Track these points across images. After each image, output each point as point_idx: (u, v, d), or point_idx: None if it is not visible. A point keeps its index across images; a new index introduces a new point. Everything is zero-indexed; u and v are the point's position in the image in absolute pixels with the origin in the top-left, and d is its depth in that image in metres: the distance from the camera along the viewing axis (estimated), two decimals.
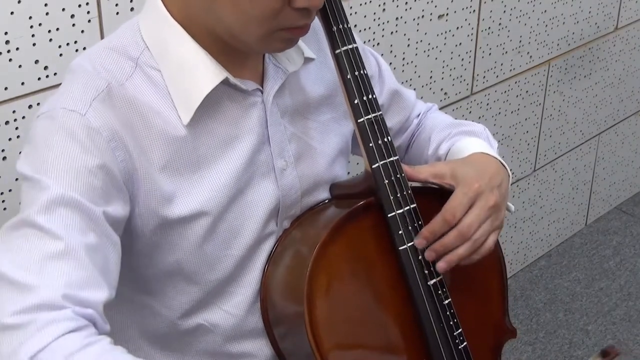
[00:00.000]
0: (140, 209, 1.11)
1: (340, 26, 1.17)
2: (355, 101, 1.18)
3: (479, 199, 1.20)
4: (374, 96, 1.19)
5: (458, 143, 1.34)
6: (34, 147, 1.06)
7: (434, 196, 1.23)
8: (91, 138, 1.05)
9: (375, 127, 1.19)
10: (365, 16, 2.01)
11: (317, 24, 1.21)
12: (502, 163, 1.29)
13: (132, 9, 1.58)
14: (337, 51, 1.18)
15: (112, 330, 1.23)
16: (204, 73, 1.11)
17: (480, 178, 1.21)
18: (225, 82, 1.13)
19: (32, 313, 0.94)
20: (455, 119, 1.48)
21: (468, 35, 2.32)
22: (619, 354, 1.15)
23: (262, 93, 1.18)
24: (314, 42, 1.26)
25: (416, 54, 2.19)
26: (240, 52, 1.14)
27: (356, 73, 1.18)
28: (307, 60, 1.24)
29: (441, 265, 1.19)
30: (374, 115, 1.19)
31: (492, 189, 1.21)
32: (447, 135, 1.37)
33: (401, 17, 2.10)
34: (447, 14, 2.23)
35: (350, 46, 1.18)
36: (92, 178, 1.03)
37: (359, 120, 1.18)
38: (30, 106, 1.52)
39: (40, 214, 1.00)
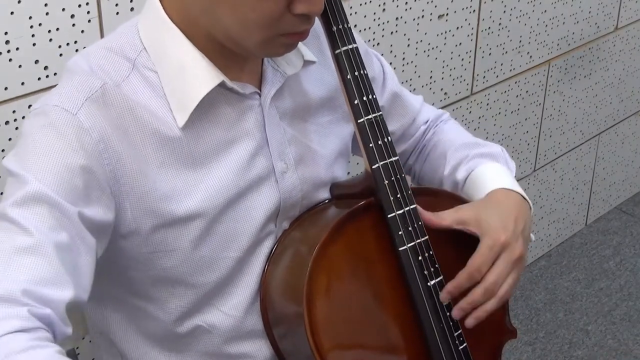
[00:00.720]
0: (134, 212, 1.10)
1: (340, 26, 1.17)
2: (355, 101, 1.18)
3: (504, 251, 1.20)
4: (374, 96, 1.19)
5: (477, 170, 1.32)
6: (22, 142, 1.06)
7: (433, 196, 1.23)
8: (79, 138, 1.04)
9: (375, 127, 1.18)
10: (365, 16, 2.01)
11: (317, 25, 1.21)
12: (523, 197, 1.29)
13: (132, 9, 1.58)
14: (337, 51, 1.18)
15: (112, 328, 1.24)
16: (200, 76, 1.11)
17: (505, 228, 1.21)
18: (222, 85, 1.13)
19: None
20: (463, 129, 1.46)
21: (468, 35, 2.32)
22: None
23: (259, 96, 1.18)
24: (314, 45, 1.26)
25: (416, 54, 2.19)
26: (239, 56, 1.14)
27: (356, 73, 1.18)
28: (308, 62, 1.24)
29: (470, 322, 1.20)
30: (374, 115, 1.19)
31: (517, 238, 1.21)
32: (464, 157, 1.36)
33: (401, 17, 2.10)
34: (447, 14, 2.23)
35: (350, 46, 1.18)
36: (74, 178, 1.03)
37: (359, 121, 1.18)
38: (30, 106, 1.51)
39: (14, 208, 1.00)
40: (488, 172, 1.31)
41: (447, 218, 1.22)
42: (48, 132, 1.04)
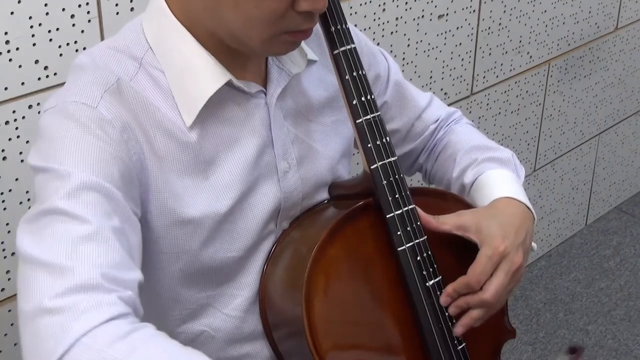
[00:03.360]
0: (152, 206, 1.10)
1: (339, 26, 1.17)
2: (354, 101, 1.18)
3: (503, 261, 1.19)
4: (373, 97, 1.19)
5: (484, 175, 1.32)
6: (46, 139, 1.05)
7: (432, 197, 1.23)
8: (104, 130, 1.04)
9: (374, 127, 1.18)
10: (365, 16, 2.02)
11: (318, 25, 1.21)
12: (528, 207, 1.28)
13: (132, 9, 1.58)
14: (336, 52, 1.18)
15: None
16: (207, 75, 1.11)
17: (505, 237, 1.20)
18: (228, 84, 1.13)
19: (72, 295, 0.92)
20: (476, 129, 1.44)
21: (468, 35, 2.32)
22: (583, 349, 1.16)
23: (265, 95, 1.18)
24: (316, 45, 1.26)
25: (416, 54, 2.19)
26: (243, 54, 1.14)
27: (354, 73, 1.18)
28: (310, 62, 1.24)
29: (458, 330, 1.21)
30: (372, 115, 1.19)
31: (517, 248, 1.21)
32: (473, 160, 1.35)
33: (401, 17, 2.11)
34: (447, 14, 2.23)
35: (348, 47, 1.18)
36: (110, 167, 1.03)
37: (357, 121, 1.18)
38: (30, 106, 1.52)
39: (64, 200, 0.99)
40: (495, 178, 1.31)
41: (447, 222, 1.22)
42: (73, 128, 1.04)
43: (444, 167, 1.40)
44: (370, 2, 2.01)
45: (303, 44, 1.20)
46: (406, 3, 2.10)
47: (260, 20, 1.04)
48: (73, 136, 1.03)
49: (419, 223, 1.20)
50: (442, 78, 2.30)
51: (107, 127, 1.04)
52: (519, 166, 1.36)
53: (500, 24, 2.40)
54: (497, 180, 1.30)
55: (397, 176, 1.19)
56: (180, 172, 1.12)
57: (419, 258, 1.19)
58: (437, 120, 1.43)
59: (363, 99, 1.18)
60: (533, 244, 1.30)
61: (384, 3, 2.05)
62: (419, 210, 1.20)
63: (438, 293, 1.21)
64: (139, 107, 1.08)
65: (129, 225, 1.04)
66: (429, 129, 1.42)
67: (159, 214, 1.11)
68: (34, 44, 1.48)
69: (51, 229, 0.98)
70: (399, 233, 1.18)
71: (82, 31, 1.53)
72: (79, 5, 1.51)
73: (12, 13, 1.43)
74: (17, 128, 1.51)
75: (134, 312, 0.97)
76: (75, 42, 1.53)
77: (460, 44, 2.31)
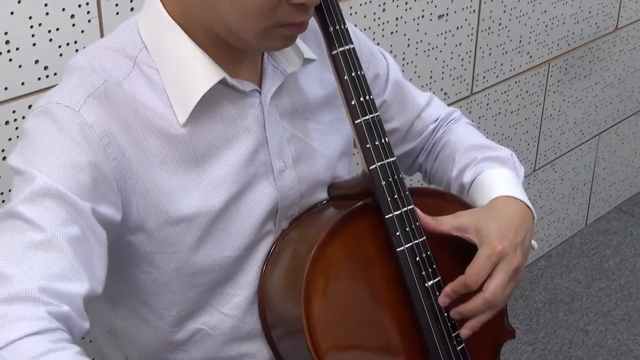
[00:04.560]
0: (139, 207, 1.11)
1: (337, 27, 1.17)
2: (352, 102, 1.18)
3: (502, 261, 1.20)
4: (371, 97, 1.19)
5: (483, 174, 1.32)
6: (25, 140, 1.06)
7: (432, 197, 1.23)
8: (84, 134, 1.05)
9: (373, 128, 1.19)
10: (365, 16, 2.02)
11: (316, 24, 1.21)
12: (527, 205, 1.28)
13: (132, 9, 1.58)
14: (334, 52, 1.18)
15: (107, 329, 1.24)
16: (201, 73, 1.11)
17: (503, 237, 1.20)
18: (222, 82, 1.13)
19: (5, 305, 0.92)
20: (476, 129, 1.45)
21: (468, 35, 2.32)
22: None
23: (259, 94, 1.18)
24: (314, 43, 1.26)
25: (416, 54, 2.19)
26: (239, 52, 1.14)
27: (353, 74, 1.18)
28: (307, 61, 1.24)
29: (465, 332, 1.21)
30: (371, 116, 1.19)
31: (515, 248, 1.21)
32: (472, 160, 1.35)
33: (401, 17, 2.11)
34: (447, 14, 2.23)
35: (347, 47, 1.18)
36: (81, 174, 1.03)
37: (356, 121, 1.18)
38: (30, 106, 1.52)
39: (24, 204, 1.00)
40: (494, 178, 1.31)
41: (446, 224, 1.22)
42: (52, 130, 1.04)
43: (443, 166, 1.40)
44: (370, 2, 2.01)
45: (300, 42, 1.20)
46: (406, 3, 2.10)
47: (254, 12, 1.05)
48: (49, 139, 1.04)
49: (418, 223, 1.20)
50: (442, 78, 2.30)
51: (87, 131, 1.05)
52: (518, 165, 1.36)
53: (500, 24, 2.40)
54: (496, 179, 1.30)
55: (396, 177, 1.19)
56: (171, 171, 1.12)
57: (418, 258, 1.20)
58: (437, 120, 1.43)
59: (362, 99, 1.18)
60: (533, 242, 1.30)
61: (384, 3, 2.05)
62: (418, 211, 1.20)
63: (437, 293, 1.21)
64: (128, 110, 1.09)
65: (92, 235, 1.03)
66: (429, 129, 1.42)
67: (149, 214, 1.11)
68: (34, 44, 1.48)
69: (7, 233, 0.98)
70: (398, 233, 1.18)
71: (82, 31, 1.53)
72: (79, 5, 1.51)
73: (12, 13, 1.44)
74: (17, 128, 1.51)
75: (67, 327, 0.96)
76: (75, 42, 1.53)
77: (460, 44, 2.31)
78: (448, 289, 1.20)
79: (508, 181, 1.30)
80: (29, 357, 0.89)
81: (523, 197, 1.29)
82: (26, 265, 0.96)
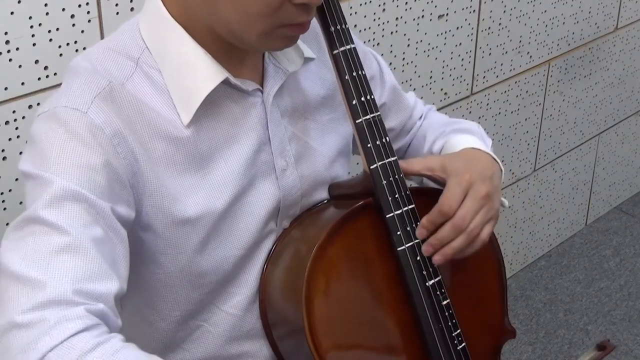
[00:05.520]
0: (147, 208, 1.11)
1: (338, 26, 1.17)
2: (354, 102, 1.18)
3: (470, 189, 1.20)
4: (372, 97, 1.19)
5: (451, 140, 1.35)
6: (36, 145, 1.06)
7: (432, 197, 1.23)
8: (93, 135, 1.04)
9: (374, 127, 1.19)
10: (365, 16, 2.02)
11: (316, 23, 1.21)
12: (494, 158, 1.30)
13: (132, 9, 1.58)
14: (335, 52, 1.18)
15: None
16: (204, 73, 1.11)
17: (470, 169, 1.22)
18: (225, 82, 1.13)
19: (42, 310, 0.93)
20: (445, 115, 1.50)
21: (468, 35, 2.32)
22: (615, 347, 1.15)
23: (262, 93, 1.18)
24: (314, 42, 1.26)
25: (416, 54, 2.19)
26: (240, 52, 1.14)
27: (354, 74, 1.18)
28: (307, 60, 1.24)
29: (437, 259, 1.19)
30: (372, 115, 1.19)
31: (483, 179, 1.22)
32: (441, 133, 1.39)
33: (401, 17, 2.11)
34: (447, 14, 2.23)
35: (348, 47, 1.18)
36: (96, 175, 1.03)
37: (357, 121, 1.18)
38: (30, 106, 1.52)
39: (45, 209, 0.99)
40: (462, 141, 1.33)
41: (416, 164, 1.25)
42: (61, 134, 1.04)
43: (416, 147, 1.43)
44: (370, 2, 2.01)
45: (300, 41, 1.20)
46: (406, 3, 2.10)
47: (256, 13, 1.05)
48: (60, 143, 1.03)
49: (419, 223, 1.20)
50: (442, 78, 2.30)
51: (96, 132, 1.05)
52: (486, 137, 1.39)
53: (500, 24, 2.40)
54: (464, 141, 1.33)
55: (397, 176, 1.19)
56: (176, 173, 1.12)
57: (418, 258, 1.20)
58: (421, 117, 1.46)
59: (363, 99, 1.18)
60: (504, 199, 1.31)
61: (384, 3, 2.05)
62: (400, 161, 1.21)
63: (438, 293, 1.21)
64: (133, 111, 1.09)
65: (114, 234, 1.04)
66: (416, 125, 1.45)
67: (155, 215, 1.11)
68: (34, 44, 1.48)
69: (31, 238, 0.99)
70: (398, 233, 1.18)
71: (82, 31, 1.53)
72: (79, 5, 1.51)
73: (12, 13, 1.44)
74: (17, 128, 1.51)
75: (106, 323, 0.97)
76: (75, 42, 1.53)
77: (460, 44, 2.31)
78: (424, 220, 1.19)
79: (475, 142, 1.33)
80: (79, 355, 0.91)
81: (491, 152, 1.31)
82: (55, 269, 0.96)
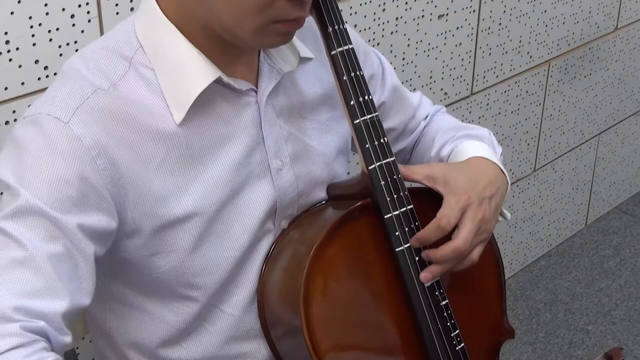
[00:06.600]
0: (134, 214, 1.11)
1: (336, 27, 1.17)
2: (352, 102, 1.18)
3: (468, 209, 1.20)
4: (371, 97, 1.19)
5: (461, 145, 1.33)
6: (13, 150, 1.07)
7: (430, 197, 1.23)
8: (72, 146, 1.05)
9: (372, 128, 1.19)
10: (365, 16, 2.02)
11: (314, 23, 1.21)
12: (501, 169, 1.29)
13: (132, 9, 1.58)
14: (333, 52, 1.18)
15: (103, 331, 1.24)
16: (197, 72, 1.11)
17: (471, 188, 1.21)
18: (218, 81, 1.13)
19: None
20: (456, 119, 1.48)
21: (468, 35, 2.32)
22: (623, 357, 1.16)
23: (256, 93, 1.18)
24: (311, 42, 1.26)
25: (416, 54, 2.19)
26: (235, 51, 1.14)
27: (352, 74, 1.18)
28: (304, 60, 1.24)
29: (425, 276, 1.19)
30: (370, 116, 1.19)
31: (481, 201, 1.21)
32: (450, 137, 1.37)
33: (401, 17, 2.11)
34: (447, 14, 2.23)
35: (345, 47, 1.18)
36: (68, 188, 1.04)
37: (355, 122, 1.18)
38: (30, 106, 1.52)
39: (7, 221, 1.01)
40: (471, 148, 1.32)
41: (418, 172, 1.24)
42: (40, 143, 1.05)
43: (424, 149, 1.42)
44: (370, 2, 2.01)
45: (297, 41, 1.20)
46: (406, 3, 2.10)
47: (249, 8, 1.05)
48: (36, 153, 1.04)
49: (417, 223, 1.20)
50: (442, 78, 2.30)
51: (75, 143, 1.05)
52: (497, 144, 1.38)
53: (500, 24, 2.40)
54: (472, 149, 1.32)
55: (395, 176, 1.19)
56: (168, 172, 1.12)
57: (417, 258, 1.20)
58: (427, 117, 1.45)
59: (361, 99, 1.18)
60: (506, 212, 1.31)
61: (384, 3, 2.05)
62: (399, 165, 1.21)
63: (436, 293, 1.21)
64: (120, 114, 1.09)
65: (76, 250, 1.04)
66: (420, 126, 1.45)
67: (143, 220, 1.11)
68: (34, 44, 1.48)
69: None
70: (397, 233, 1.18)
71: (82, 31, 1.53)
72: (79, 5, 1.52)
73: (12, 13, 1.44)
74: None
75: (48, 341, 0.98)
76: (75, 42, 1.53)
77: (460, 44, 2.31)
78: (420, 234, 1.19)
79: (485, 151, 1.32)
80: None
81: (498, 163, 1.30)
82: (4, 282, 0.98)
